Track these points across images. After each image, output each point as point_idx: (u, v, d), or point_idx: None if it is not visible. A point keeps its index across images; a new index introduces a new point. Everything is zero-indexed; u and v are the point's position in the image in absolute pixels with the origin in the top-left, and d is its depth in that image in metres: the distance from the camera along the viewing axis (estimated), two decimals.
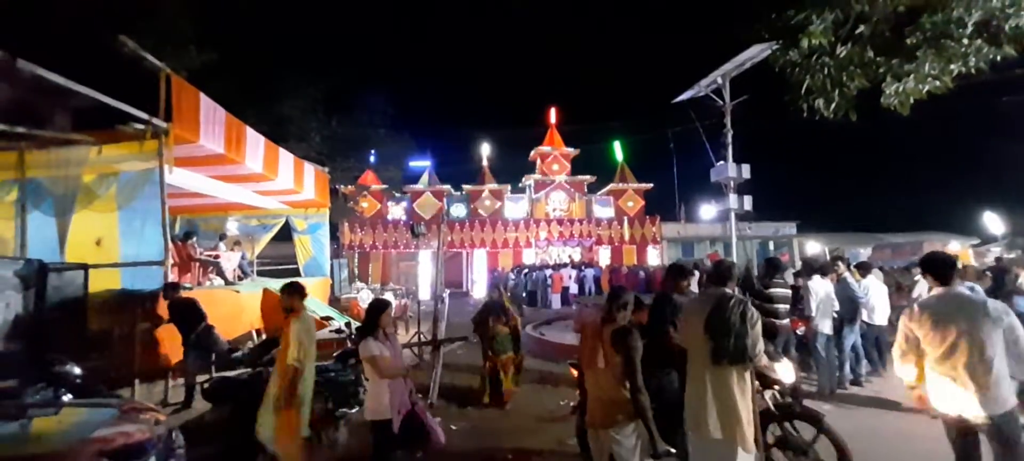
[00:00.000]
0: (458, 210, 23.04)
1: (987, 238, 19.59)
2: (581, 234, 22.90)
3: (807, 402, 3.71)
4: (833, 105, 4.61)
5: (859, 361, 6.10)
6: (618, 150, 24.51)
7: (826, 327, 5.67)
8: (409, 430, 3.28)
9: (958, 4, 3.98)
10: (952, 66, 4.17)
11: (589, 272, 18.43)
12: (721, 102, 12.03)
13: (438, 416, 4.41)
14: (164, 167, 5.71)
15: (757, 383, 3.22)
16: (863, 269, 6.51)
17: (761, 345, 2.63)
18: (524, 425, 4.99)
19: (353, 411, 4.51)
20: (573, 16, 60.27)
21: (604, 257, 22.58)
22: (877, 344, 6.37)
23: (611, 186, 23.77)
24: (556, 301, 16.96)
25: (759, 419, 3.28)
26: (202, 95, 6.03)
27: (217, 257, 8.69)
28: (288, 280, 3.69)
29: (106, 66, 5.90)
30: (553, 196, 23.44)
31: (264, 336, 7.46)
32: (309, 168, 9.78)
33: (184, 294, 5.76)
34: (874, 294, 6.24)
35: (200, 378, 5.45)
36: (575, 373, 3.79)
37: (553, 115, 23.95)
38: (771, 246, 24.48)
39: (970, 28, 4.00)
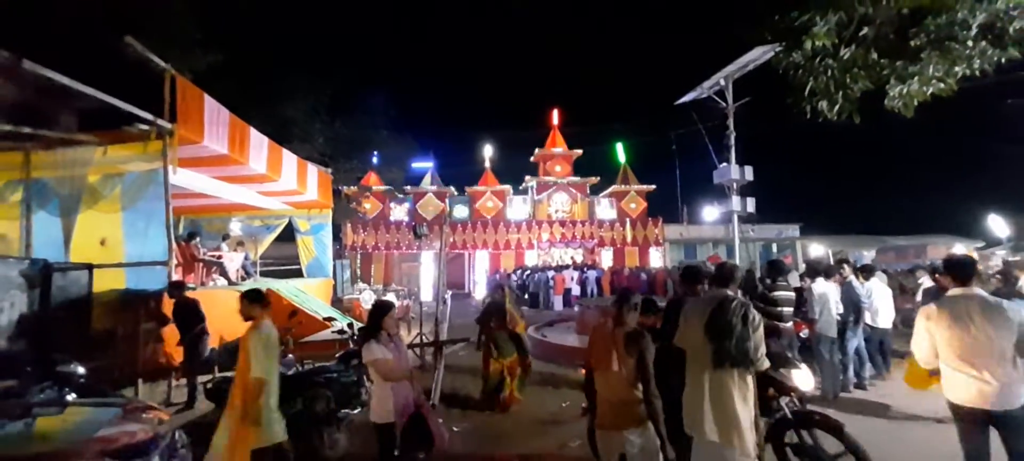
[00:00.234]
0: (460, 211, 23.06)
1: (992, 241, 19.48)
2: (583, 236, 22.88)
3: (811, 406, 3.68)
4: (836, 107, 4.59)
5: (863, 364, 6.07)
6: (620, 152, 24.52)
7: (830, 330, 5.65)
8: (414, 433, 3.26)
9: (962, 6, 3.96)
10: (956, 68, 4.15)
11: (591, 274, 18.40)
12: (724, 104, 12.00)
13: (440, 417, 4.41)
14: (168, 168, 5.73)
15: (772, 390, 3.22)
16: (867, 272, 6.47)
17: (763, 348, 2.61)
18: (526, 427, 4.98)
19: (355, 412, 4.51)
20: (575, 17, 60.33)
21: (606, 259, 22.55)
22: (881, 347, 6.33)
23: (613, 188, 23.75)
24: (558, 303, 16.95)
25: (774, 427, 3.26)
26: (206, 96, 6.06)
27: (220, 258, 8.72)
28: (250, 288, 3.42)
29: (112, 67, 5.93)
30: (555, 197, 23.44)
31: None
32: (312, 169, 9.82)
33: (188, 295, 5.78)
34: (878, 297, 6.21)
35: (203, 378, 5.48)
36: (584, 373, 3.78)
37: (555, 116, 23.99)
38: (774, 248, 24.40)
39: (974, 30, 3.98)
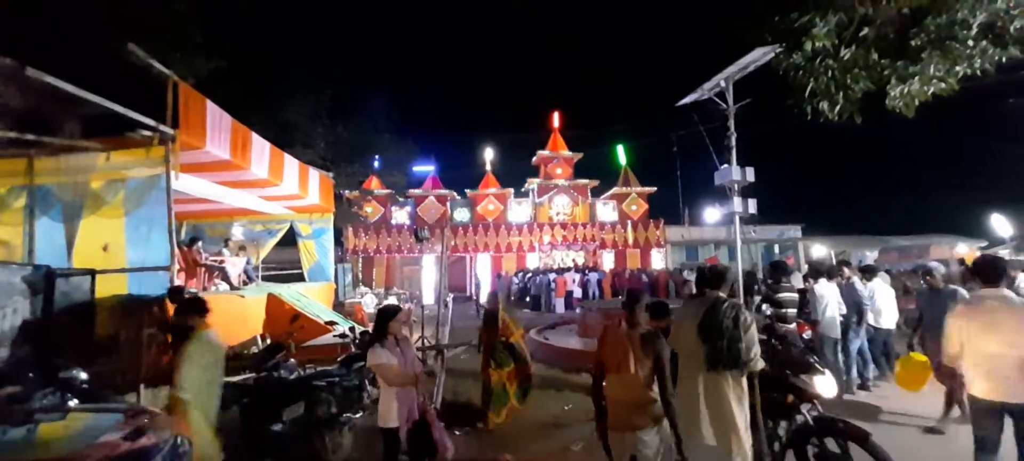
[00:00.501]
0: (461, 214, 23.09)
1: (995, 240, 19.40)
2: (584, 238, 22.87)
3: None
4: (837, 108, 4.60)
5: (866, 365, 6.04)
6: (621, 154, 24.55)
7: (832, 331, 5.62)
8: (418, 439, 3.26)
9: (963, 5, 3.95)
10: (957, 68, 4.15)
11: (593, 276, 18.37)
12: (724, 105, 11.98)
13: (441, 421, 4.40)
14: (171, 173, 5.75)
15: (791, 396, 3.17)
16: (869, 272, 6.46)
17: (756, 350, 2.60)
18: (528, 430, 4.97)
19: (357, 416, 4.52)
20: (576, 19, 60.49)
21: (608, 261, 22.54)
22: (884, 348, 6.31)
23: (614, 190, 23.76)
24: (560, 305, 16.92)
25: (796, 434, 3.18)
26: (209, 102, 6.08)
27: (222, 262, 8.73)
28: (191, 296, 3.19)
29: (115, 74, 5.96)
30: (556, 200, 23.46)
31: (268, 341, 7.48)
32: (314, 173, 9.83)
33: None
34: (880, 297, 6.19)
35: None
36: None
37: (556, 119, 24.03)
38: (776, 249, 24.37)
39: (975, 30, 3.98)
